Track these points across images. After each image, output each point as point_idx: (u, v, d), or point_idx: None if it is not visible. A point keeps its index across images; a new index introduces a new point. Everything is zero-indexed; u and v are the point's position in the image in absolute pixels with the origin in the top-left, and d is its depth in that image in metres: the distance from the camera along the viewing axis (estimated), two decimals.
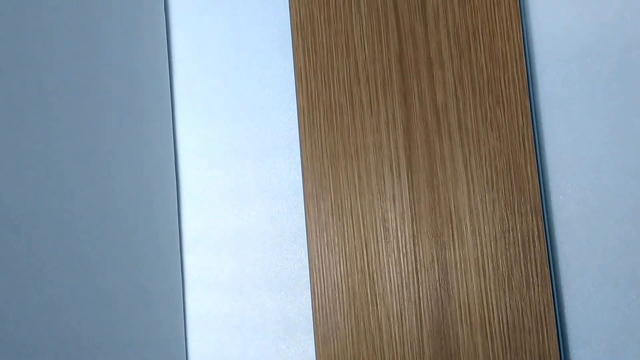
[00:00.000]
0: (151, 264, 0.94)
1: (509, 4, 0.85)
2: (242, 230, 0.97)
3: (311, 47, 0.94)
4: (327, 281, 0.89)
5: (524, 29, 0.84)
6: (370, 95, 0.91)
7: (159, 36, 1.03)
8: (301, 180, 0.95)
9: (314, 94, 0.93)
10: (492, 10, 0.86)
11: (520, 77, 0.84)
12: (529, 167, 0.82)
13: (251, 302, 0.96)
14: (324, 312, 0.89)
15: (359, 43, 0.92)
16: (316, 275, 0.90)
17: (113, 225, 0.88)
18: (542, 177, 0.82)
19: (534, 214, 0.81)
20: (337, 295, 0.89)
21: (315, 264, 0.90)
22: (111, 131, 0.90)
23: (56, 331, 0.76)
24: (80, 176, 0.83)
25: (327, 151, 0.92)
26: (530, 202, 0.81)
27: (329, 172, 0.91)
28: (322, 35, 0.94)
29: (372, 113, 0.90)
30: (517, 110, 0.83)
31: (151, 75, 1.00)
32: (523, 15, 0.85)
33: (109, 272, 0.86)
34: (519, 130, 0.83)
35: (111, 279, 0.86)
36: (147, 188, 0.95)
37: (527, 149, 0.82)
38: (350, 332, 0.88)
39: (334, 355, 0.88)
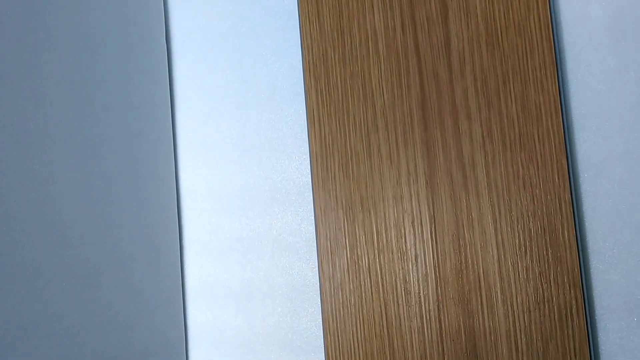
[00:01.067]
0: (151, 318, 0.87)
1: (544, 51, 0.78)
2: (249, 283, 0.90)
3: (325, 88, 0.86)
4: (342, 346, 0.83)
5: (560, 78, 0.77)
6: (389, 144, 0.83)
7: (160, 71, 0.94)
8: (314, 232, 0.88)
9: (327, 139, 0.86)
10: (525, 57, 0.78)
11: (556, 132, 0.77)
12: (566, 232, 0.75)
13: None
14: None
15: (377, 87, 0.84)
16: (330, 338, 0.83)
17: (109, 277, 0.80)
18: (581, 244, 0.75)
19: (571, 284, 0.74)
20: None
21: (329, 326, 0.84)
22: (110, 175, 0.82)
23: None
24: (78, 225, 0.76)
25: (342, 202, 0.84)
26: (568, 271, 0.75)
27: (344, 225, 0.84)
28: (336, 76, 0.86)
29: (391, 163, 0.83)
30: (552, 169, 0.76)
31: (152, 115, 0.91)
32: (559, 63, 0.78)
33: (109, 330, 0.79)
34: (554, 192, 0.76)
35: (111, 337, 0.79)
36: (147, 233, 0.88)
37: (564, 212, 0.76)
38: None
39: None
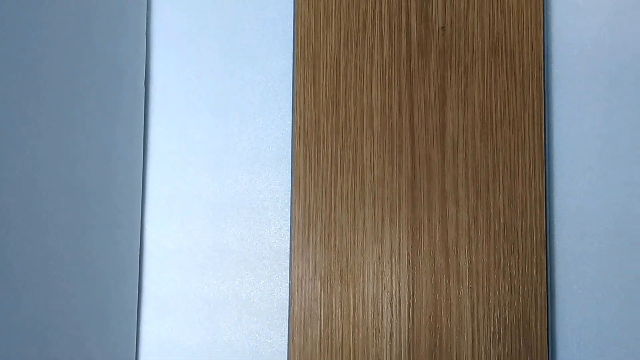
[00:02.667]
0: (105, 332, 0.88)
1: (534, 148, 0.88)
2: (212, 346, 0.94)
3: (314, 156, 0.92)
4: None
5: (547, 176, 0.87)
6: (375, 220, 0.90)
7: (136, 119, 0.97)
8: (287, 300, 0.93)
9: (312, 208, 0.91)
10: (516, 151, 0.88)
11: (538, 228, 0.87)
12: (539, 324, 0.85)
13: None
14: None
15: (368, 161, 0.91)
16: None
17: (59, 337, 0.81)
18: (551, 337, 0.85)
19: None
20: None
21: None
22: (68, 222, 0.84)
23: None
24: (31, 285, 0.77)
25: (320, 273, 0.90)
26: None
27: (320, 296, 0.90)
28: (327, 146, 0.92)
29: (375, 239, 0.90)
30: (532, 263, 0.86)
31: (123, 164, 0.94)
32: (548, 161, 0.88)
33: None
34: (532, 285, 0.86)
35: None
36: (103, 286, 0.89)
37: (539, 305, 0.85)
38: None
39: None
